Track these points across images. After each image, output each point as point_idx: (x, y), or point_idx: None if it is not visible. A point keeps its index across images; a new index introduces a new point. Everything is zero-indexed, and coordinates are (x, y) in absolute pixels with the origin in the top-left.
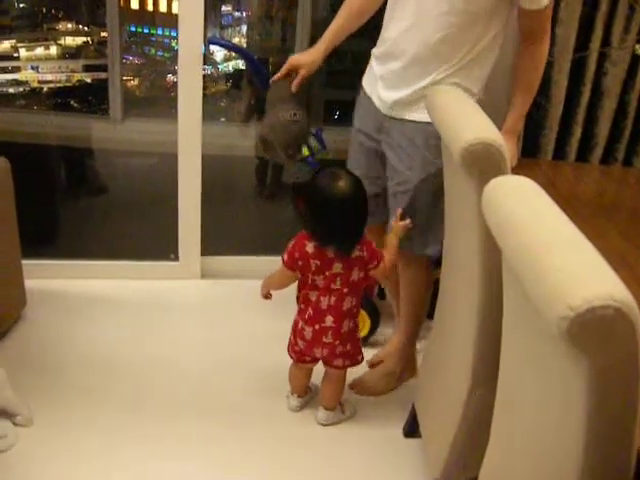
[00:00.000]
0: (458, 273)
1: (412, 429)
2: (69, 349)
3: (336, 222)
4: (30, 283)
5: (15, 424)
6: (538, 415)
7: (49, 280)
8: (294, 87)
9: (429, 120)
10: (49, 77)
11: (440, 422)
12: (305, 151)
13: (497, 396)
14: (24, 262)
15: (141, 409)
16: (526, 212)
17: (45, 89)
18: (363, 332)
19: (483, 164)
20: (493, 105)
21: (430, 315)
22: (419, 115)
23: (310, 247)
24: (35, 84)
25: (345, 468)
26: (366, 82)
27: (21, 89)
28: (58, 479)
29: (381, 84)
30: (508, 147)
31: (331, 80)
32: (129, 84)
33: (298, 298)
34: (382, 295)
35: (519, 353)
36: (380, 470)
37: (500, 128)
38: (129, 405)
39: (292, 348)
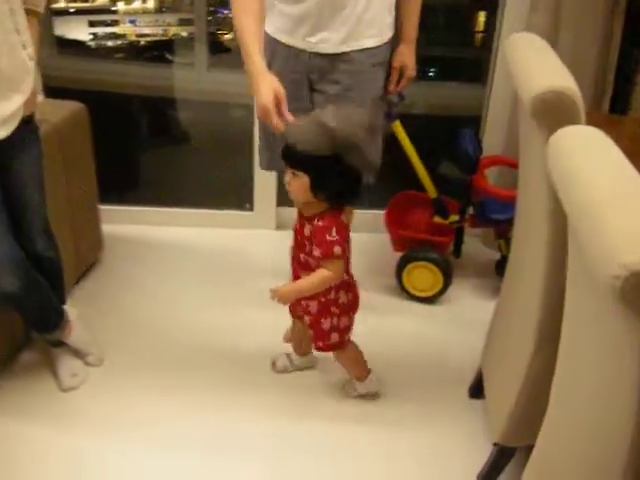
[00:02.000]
0: (527, 234)
1: (477, 391)
2: (142, 293)
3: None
4: (108, 228)
5: (86, 363)
6: (595, 376)
7: (126, 226)
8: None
9: None
10: (146, 30)
11: (503, 385)
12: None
13: (558, 358)
14: (103, 207)
15: (208, 354)
16: (590, 165)
17: (142, 42)
18: (435, 289)
19: (555, 114)
20: None
21: (500, 273)
22: None
23: (343, 218)
24: (133, 37)
25: (409, 430)
26: None
27: (119, 42)
28: (123, 418)
29: None
30: (409, 58)
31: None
32: (223, 37)
33: None
34: (457, 253)
35: (579, 313)
36: (443, 432)
37: None
38: (195, 350)
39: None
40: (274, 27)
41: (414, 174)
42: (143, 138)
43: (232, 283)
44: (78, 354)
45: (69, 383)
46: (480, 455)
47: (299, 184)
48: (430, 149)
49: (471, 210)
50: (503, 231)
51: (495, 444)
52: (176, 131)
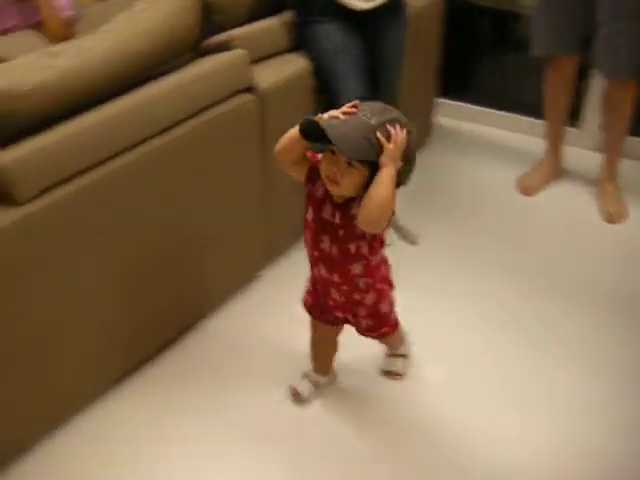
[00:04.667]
0: None
1: None
2: (459, 182)
3: None
4: (440, 119)
5: (405, 240)
6: None
7: (456, 120)
8: None
9: None
10: None
11: None
12: None
13: None
14: (439, 100)
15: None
16: None
17: None
18: None
19: None
20: None
21: None
22: None
23: None
24: None
25: None
26: None
27: None
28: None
29: None
30: None
31: None
32: None
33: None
34: None
35: None
36: None
37: None
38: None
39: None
40: None
41: None
42: (489, 44)
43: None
44: (393, 224)
45: None
46: None
47: (355, 178)
48: None
49: None
50: None
51: None
52: (518, 43)
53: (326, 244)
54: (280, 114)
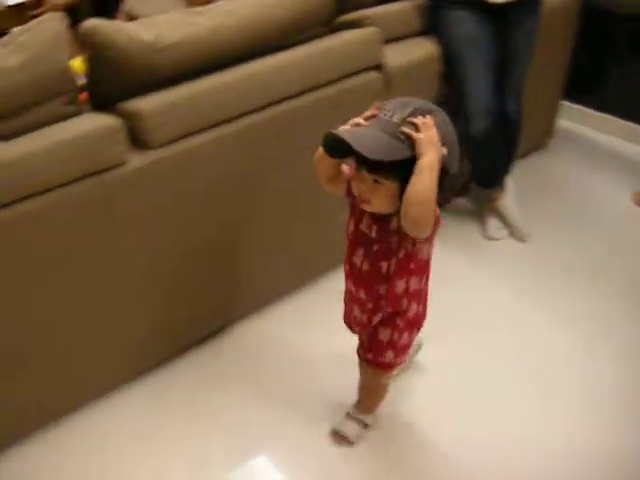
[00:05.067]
0: None
1: None
2: (573, 188)
3: None
4: (562, 122)
5: (510, 233)
6: None
7: (579, 125)
8: None
9: None
10: None
11: None
12: None
13: None
14: (564, 103)
15: None
16: None
17: None
18: None
19: None
20: None
21: None
22: None
23: None
24: None
25: None
26: None
27: None
28: None
29: None
30: None
31: None
32: None
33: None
34: None
35: None
36: None
37: None
38: None
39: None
40: None
41: None
42: (621, 51)
43: None
44: (504, 220)
45: (493, 233)
46: None
47: (386, 193)
48: None
49: None
50: None
51: None
52: None
53: (359, 258)
54: (405, 95)
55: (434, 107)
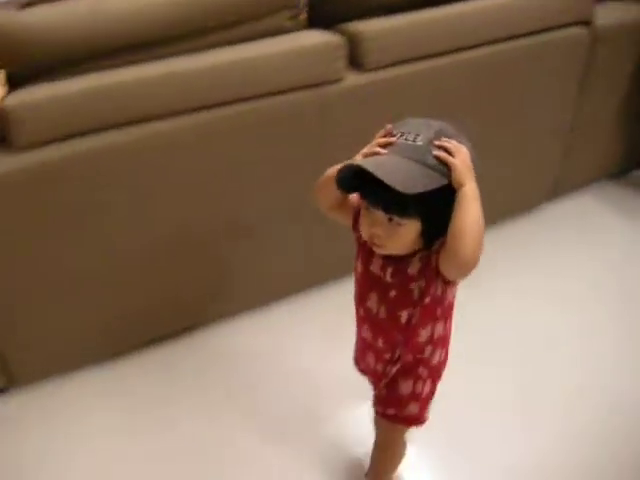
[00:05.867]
0: None
1: None
2: None
3: None
4: None
5: None
6: None
7: None
8: None
9: None
10: None
11: None
12: None
13: None
14: None
15: None
16: None
17: None
18: None
19: None
20: None
21: None
22: None
23: None
24: None
25: None
26: None
27: None
28: None
29: None
30: None
31: None
32: None
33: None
34: None
35: None
36: None
37: None
38: None
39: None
40: None
41: None
42: None
43: None
44: None
45: None
46: None
47: (406, 234)
48: None
49: None
50: None
51: None
52: None
53: (373, 303)
54: (611, 58)
55: (455, 131)
